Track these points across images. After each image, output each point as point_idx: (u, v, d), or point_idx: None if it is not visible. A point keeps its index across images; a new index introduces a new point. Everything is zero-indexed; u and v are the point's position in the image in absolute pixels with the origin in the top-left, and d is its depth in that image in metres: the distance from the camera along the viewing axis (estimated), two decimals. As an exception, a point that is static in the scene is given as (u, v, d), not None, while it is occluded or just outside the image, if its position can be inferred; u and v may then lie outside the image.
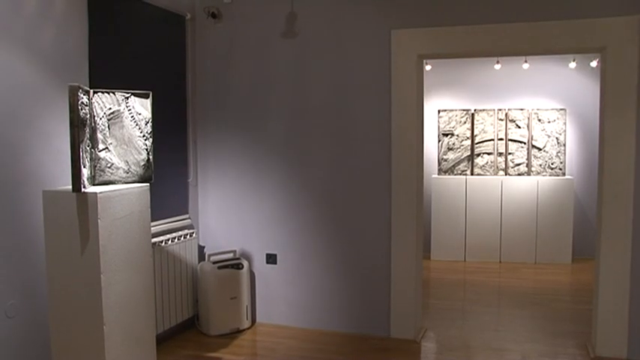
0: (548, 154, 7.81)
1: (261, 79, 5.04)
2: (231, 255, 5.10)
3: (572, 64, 7.70)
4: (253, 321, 5.21)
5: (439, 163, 8.09)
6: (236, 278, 4.96)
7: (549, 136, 7.80)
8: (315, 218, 4.99)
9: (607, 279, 4.36)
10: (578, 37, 4.32)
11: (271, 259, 5.14)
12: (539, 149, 7.83)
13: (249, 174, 5.14)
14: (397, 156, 4.70)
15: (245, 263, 5.03)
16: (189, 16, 5.03)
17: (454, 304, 5.97)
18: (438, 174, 8.08)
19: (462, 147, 8.02)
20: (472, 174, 7.99)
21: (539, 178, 7.73)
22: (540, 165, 7.83)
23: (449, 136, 8.05)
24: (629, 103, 4.19)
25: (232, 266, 4.95)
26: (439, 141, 8.09)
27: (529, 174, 7.86)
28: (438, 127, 8.10)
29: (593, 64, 7.46)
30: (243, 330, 5.04)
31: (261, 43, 5.01)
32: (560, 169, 7.79)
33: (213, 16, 4.98)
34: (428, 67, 7.83)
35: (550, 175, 7.76)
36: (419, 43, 4.61)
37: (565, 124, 7.79)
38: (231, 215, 5.23)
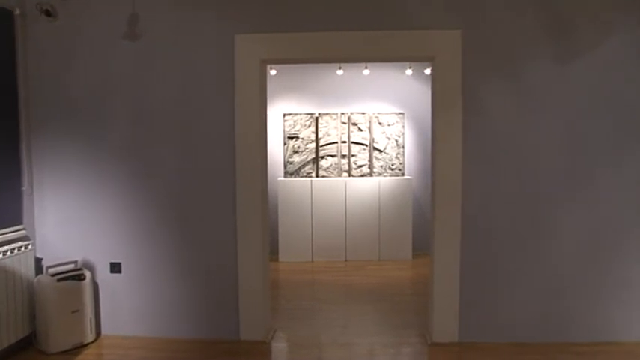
0: (388, 156, 8.22)
1: (101, 82, 4.83)
2: (72, 266, 4.83)
3: (409, 71, 8.19)
4: (98, 334, 4.98)
5: (285, 166, 8.22)
6: (78, 290, 4.71)
7: (389, 139, 8.22)
8: (161, 224, 4.88)
9: (440, 272, 4.69)
10: (410, 47, 4.62)
11: (116, 267, 4.95)
12: (380, 151, 8.23)
13: (91, 182, 4.90)
14: (241, 159, 4.72)
15: (87, 274, 4.80)
16: (18, 11, 4.68)
17: (303, 304, 6.11)
18: (284, 177, 8.21)
19: (306, 150, 8.21)
20: (317, 176, 8.21)
21: (381, 179, 8.12)
22: (381, 166, 8.22)
23: (294, 139, 8.21)
24: (455, 107, 4.55)
25: (73, 277, 4.70)
26: (284, 144, 8.22)
27: (371, 175, 8.22)
28: (284, 130, 8.23)
29: (427, 71, 7.96)
30: (88, 344, 4.80)
31: (102, 44, 4.80)
32: (400, 169, 8.23)
33: (48, 13, 4.66)
34: (273, 72, 7.95)
35: (391, 176, 8.18)
36: (262, 48, 4.67)
37: (404, 127, 8.25)
38: (71, 224, 4.96)
